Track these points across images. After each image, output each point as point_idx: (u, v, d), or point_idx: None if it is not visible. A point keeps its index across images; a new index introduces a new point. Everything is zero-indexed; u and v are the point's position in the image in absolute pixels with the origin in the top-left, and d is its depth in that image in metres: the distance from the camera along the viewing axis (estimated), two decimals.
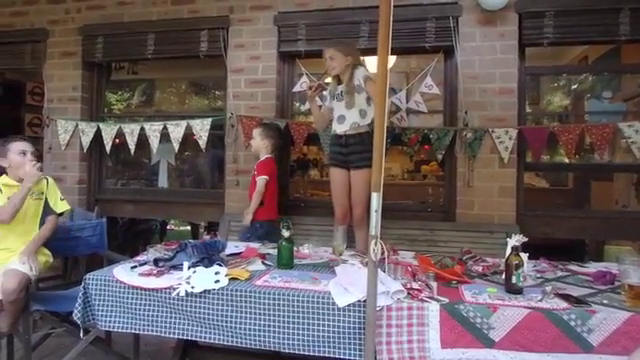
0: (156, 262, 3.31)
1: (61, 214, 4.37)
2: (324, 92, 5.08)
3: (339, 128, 4.67)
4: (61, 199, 4.36)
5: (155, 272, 3.18)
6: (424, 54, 5.58)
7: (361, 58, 4.81)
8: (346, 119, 4.61)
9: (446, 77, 5.53)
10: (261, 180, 4.90)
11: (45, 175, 4.34)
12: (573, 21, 5.08)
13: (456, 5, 5.25)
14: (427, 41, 5.32)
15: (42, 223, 4.22)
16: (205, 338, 2.95)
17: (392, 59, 6.24)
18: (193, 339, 3.05)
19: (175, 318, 3.00)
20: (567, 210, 6.15)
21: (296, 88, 5.78)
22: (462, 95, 5.22)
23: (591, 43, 5.91)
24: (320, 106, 5.00)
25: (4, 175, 4.17)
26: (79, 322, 3.14)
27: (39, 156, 6.15)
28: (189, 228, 9.86)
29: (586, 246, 6.56)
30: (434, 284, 3.00)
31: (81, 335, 3.37)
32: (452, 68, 5.40)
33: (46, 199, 4.26)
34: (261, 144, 5.04)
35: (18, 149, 4.09)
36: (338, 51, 4.61)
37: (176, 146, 5.85)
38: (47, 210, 4.25)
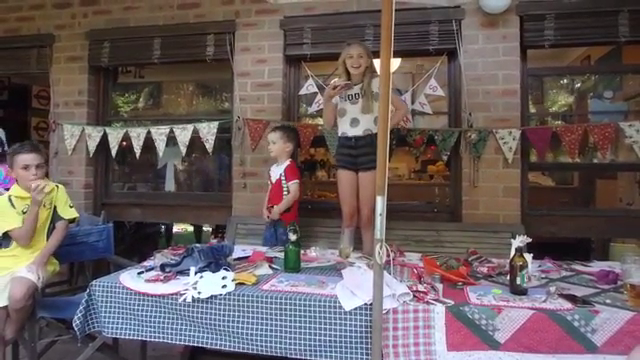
0: (163, 268, 3.34)
1: (72, 221, 4.35)
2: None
3: (350, 131, 4.63)
4: (70, 206, 4.33)
5: (162, 278, 3.20)
6: (428, 56, 5.61)
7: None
8: (360, 123, 4.58)
9: (450, 79, 5.57)
10: (296, 185, 4.83)
11: (56, 183, 4.34)
12: (573, 23, 5.12)
13: (459, 9, 5.27)
14: (431, 44, 5.36)
15: (50, 231, 4.20)
16: (212, 344, 2.96)
17: (397, 62, 6.27)
18: (200, 345, 3.06)
19: (182, 324, 3.01)
20: (572, 209, 6.18)
21: (302, 91, 5.80)
22: (466, 96, 5.25)
23: (591, 44, 5.97)
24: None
25: (15, 184, 4.14)
26: (77, 331, 3.14)
27: (46, 161, 6.21)
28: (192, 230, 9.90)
29: (593, 244, 6.58)
30: (440, 286, 3.04)
31: (79, 344, 3.38)
32: (456, 70, 5.43)
33: (55, 206, 4.23)
34: (284, 147, 4.93)
35: (22, 163, 4.01)
36: (365, 51, 4.62)
37: (183, 149, 5.86)
38: (55, 217, 4.23)
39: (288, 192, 4.85)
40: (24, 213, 4.04)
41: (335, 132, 4.92)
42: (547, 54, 5.81)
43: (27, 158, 4.03)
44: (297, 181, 4.87)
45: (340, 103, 4.75)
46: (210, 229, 9.55)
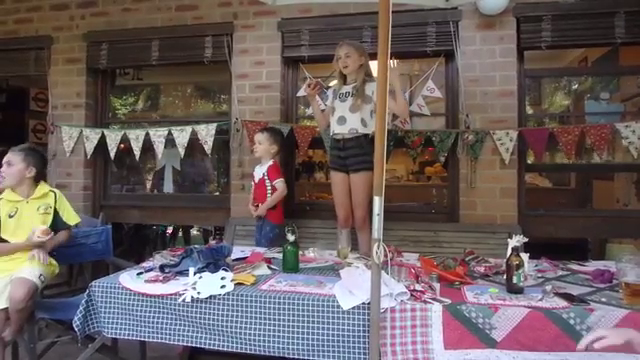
0: (162, 268, 3.34)
1: (75, 226, 4.38)
2: (325, 90, 5.12)
3: (337, 129, 4.65)
4: (72, 211, 4.35)
5: (161, 278, 3.19)
6: (426, 58, 5.63)
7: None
8: (347, 122, 4.59)
9: (447, 80, 5.60)
10: (282, 183, 4.91)
11: (51, 188, 4.34)
12: (569, 25, 5.14)
13: (456, 10, 5.29)
14: (428, 45, 5.38)
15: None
16: (211, 345, 2.96)
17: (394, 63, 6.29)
18: (199, 346, 3.07)
19: (181, 325, 3.01)
20: (568, 209, 6.21)
21: (300, 93, 5.82)
22: (463, 98, 5.28)
23: (587, 46, 5.98)
24: (323, 110, 5.05)
25: (9, 190, 4.16)
26: (77, 331, 3.14)
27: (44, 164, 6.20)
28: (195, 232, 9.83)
29: (589, 245, 6.60)
30: (437, 285, 3.05)
31: (79, 345, 3.38)
32: (453, 71, 5.46)
33: (57, 213, 4.23)
34: (269, 148, 5.00)
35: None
36: (355, 49, 4.62)
37: (182, 151, 5.88)
38: (60, 224, 4.24)
39: (272, 190, 4.93)
40: (10, 217, 4.05)
41: (328, 132, 4.94)
42: (544, 55, 5.84)
43: (5, 158, 4.10)
44: (282, 179, 4.95)
45: (332, 102, 4.79)
46: (200, 232, 9.55)
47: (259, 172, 5.05)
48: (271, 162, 5.01)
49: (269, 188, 4.94)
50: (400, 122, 5.60)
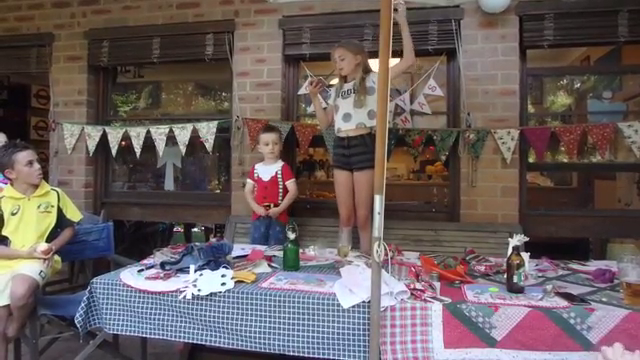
0: (163, 265, 3.35)
1: (78, 223, 4.40)
2: (327, 89, 5.11)
3: (344, 126, 4.63)
4: (75, 208, 4.37)
5: (162, 275, 3.20)
6: (427, 56, 5.59)
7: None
8: (352, 118, 4.57)
9: (449, 79, 5.59)
10: (294, 184, 4.97)
11: (52, 187, 4.33)
12: (572, 23, 5.12)
13: (458, 8, 5.28)
14: (430, 44, 5.36)
15: (54, 234, 4.19)
16: (211, 342, 2.96)
17: (395, 62, 6.28)
18: (199, 343, 3.08)
19: (182, 321, 3.01)
20: (569, 209, 6.20)
21: (301, 91, 5.83)
22: (465, 96, 5.26)
23: (590, 45, 5.97)
24: (325, 108, 5.05)
25: (9, 186, 4.14)
26: (79, 327, 3.16)
27: (44, 159, 6.22)
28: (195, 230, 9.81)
29: (590, 244, 6.59)
30: (437, 284, 3.04)
31: (80, 341, 3.42)
32: (455, 70, 5.46)
33: (61, 211, 4.23)
34: (279, 147, 5.05)
35: (25, 160, 4.00)
36: (348, 51, 4.60)
37: (183, 149, 5.87)
38: (64, 221, 4.26)
39: (283, 189, 4.95)
40: (13, 214, 4.04)
41: (332, 132, 4.93)
42: (547, 54, 5.82)
43: (28, 154, 4.05)
44: (295, 179, 5.01)
45: (335, 100, 4.77)
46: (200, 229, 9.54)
47: (269, 171, 5.01)
48: (282, 162, 5.03)
49: (281, 187, 4.95)
50: (401, 120, 5.59)
